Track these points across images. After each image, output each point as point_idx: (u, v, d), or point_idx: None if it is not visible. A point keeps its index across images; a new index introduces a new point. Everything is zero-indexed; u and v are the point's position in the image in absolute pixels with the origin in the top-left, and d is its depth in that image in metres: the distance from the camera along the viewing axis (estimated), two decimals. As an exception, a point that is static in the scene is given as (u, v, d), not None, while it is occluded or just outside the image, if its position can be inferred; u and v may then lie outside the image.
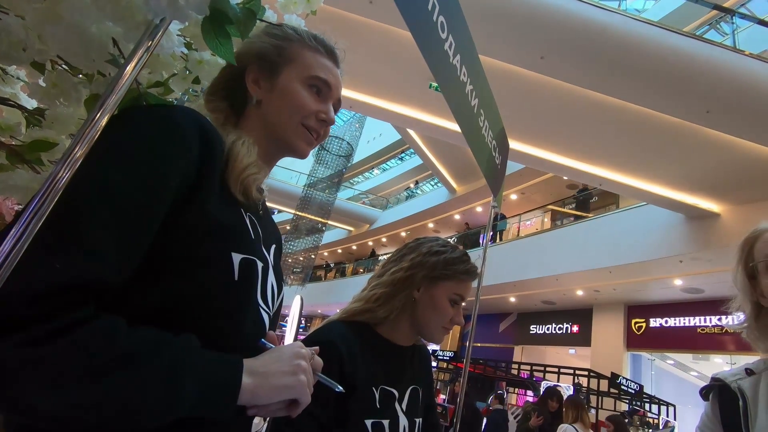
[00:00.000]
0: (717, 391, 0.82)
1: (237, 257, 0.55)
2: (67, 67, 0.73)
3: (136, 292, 0.48)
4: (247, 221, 0.60)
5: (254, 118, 0.68)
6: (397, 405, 0.95)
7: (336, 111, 0.73)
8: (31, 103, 1.03)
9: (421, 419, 1.01)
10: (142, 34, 0.48)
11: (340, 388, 0.65)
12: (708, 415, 0.83)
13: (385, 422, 0.91)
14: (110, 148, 0.47)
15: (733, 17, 5.99)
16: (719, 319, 8.25)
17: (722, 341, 8.15)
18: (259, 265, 0.59)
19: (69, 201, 0.42)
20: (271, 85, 0.67)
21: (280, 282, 0.68)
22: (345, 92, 5.99)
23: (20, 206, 0.97)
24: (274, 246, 0.70)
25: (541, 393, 5.82)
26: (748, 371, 0.80)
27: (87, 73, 0.70)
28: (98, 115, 0.42)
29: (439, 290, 0.99)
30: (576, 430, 3.80)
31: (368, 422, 0.88)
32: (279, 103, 0.66)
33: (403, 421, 0.95)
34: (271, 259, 0.66)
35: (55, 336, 0.39)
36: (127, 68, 0.45)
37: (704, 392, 0.85)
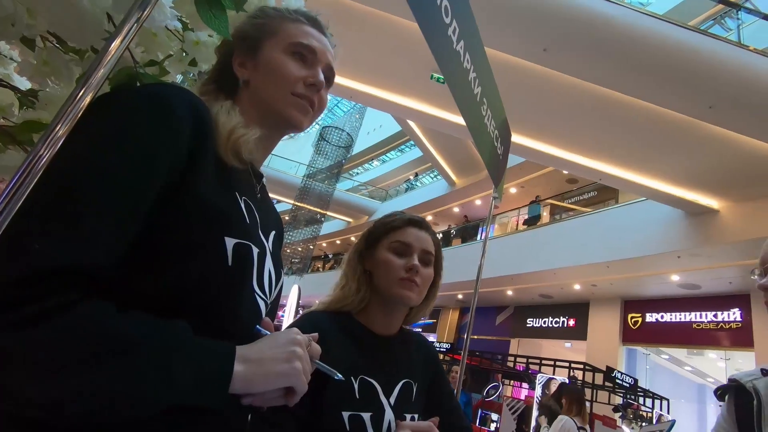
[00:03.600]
0: (733, 392, 0.81)
1: (230, 242, 0.53)
2: (58, 45, 0.71)
3: (127, 277, 0.47)
4: (242, 205, 0.58)
5: (246, 100, 0.66)
6: (382, 397, 0.90)
7: (329, 81, 0.71)
8: (25, 85, 1.01)
9: (416, 415, 0.94)
10: (131, 4, 0.46)
11: (340, 375, 0.64)
12: (724, 415, 0.83)
13: (366, 415, 0.86)
14: (100, 129, 0.46)
15: (738, 12, 5.93)
16: (715, 315, 8.29)
17: (717, 337, 8.20)
18: (255, 250, 0.57)
19: (59, 183, 0.41)
20: (255, 62, 0.66)
21: (279, 269, 0.66)
22: (346, 82, 5.95)
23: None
24: (273, 233, 0.68)
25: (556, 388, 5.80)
26: (764, 371, 0.79)
27: (78, 49, 0.68)
28: (81, 92, 0.40)
29: (379, 250, 0.98)
30: (575, 423, 3.82)
31: (345, 414, 0.83)
32: (265, 77, 0.65)
33: (389, 414, 0.89)
34: (269, 245, 0.64)
35: (43, 318, 0.38)
36: (115, 42, 0.43)
37: (720, 393, 0.85)
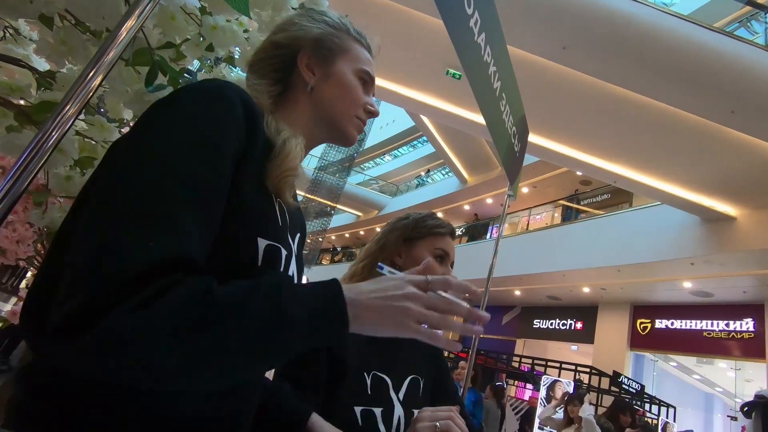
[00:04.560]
0: (761, 409, 0.79)
1: (263, 243, 0.54)
2: (76, 25, 0.70)
3: None
4: (277, 207, 0.59)
5: (304, 104, 0.68)
6: (392, 393, 0.91)
7: None
8: (43, 66, 1.01)
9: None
10: (150, -18, 0.45)
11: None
12: (751, 430, 0.81)
13: (377, 410, 0.86)
14: (173, 125, 0.48)
15: (766, 15, 5.77)
16: (726, 324, 8.14)
17: (728, 346, 8.06)
18: (284, 253, 0.58)
19: (145, 182, 0.43)
20: (325, 73, 0.68)
21: (300, 272, 0.68)
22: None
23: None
24: (298, 234, 0.69)
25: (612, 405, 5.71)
26: None
27: (95, 30, 0.68)
28: (93, 71, 0.39)
29: (419, 250, 0.98)
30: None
31: (358, 409, 0.84)
32: (335, 92, 0.68)
33: (398, 410, 0.89)
34: (294, 247, 0.65)
35: (158, 296, 0.39)
36: (128, 21, 0.42)
37: (746, 409, 0.82)
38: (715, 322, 8.31)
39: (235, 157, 0.51)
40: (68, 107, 0.39)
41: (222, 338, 0.40)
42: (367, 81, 0.71)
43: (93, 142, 1.00)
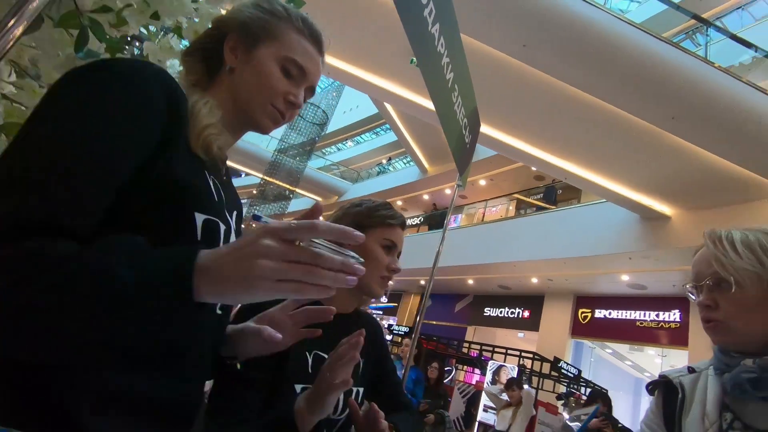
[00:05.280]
0: (662, 387, 0.87)
1: (200, 217, 0.55)
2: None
3: None
4: (212, 183, 0.59)
5: (224, 86, 0.67)
6: None
7: (307, 98, 0.73)
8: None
9: (361, 389, 0.99)
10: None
11: (355, 255, 0.47)
12: (652, 409, 0.89)
13: None
14: (77, 101, 0.47)
15: (708, 29, 6.18)
16: (657, 315, 8.83)
17: (657, 335, 8.76)
18: (222, 227, 0.59)
19: (37, 149, 0.43)
20: (248, 57, 0.67)
21: None
22: (327, 58, 5.80)
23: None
24: (235, 212, 0.69)
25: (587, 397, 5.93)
26: (690, 369, 0.85)
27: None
28: (12, 21, 0.37)
29: (368, 239, 0.98)
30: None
31: (298, 387, 0.87)
32: (251, 77, 0.66)
33: None
34: (233, 223, 0.65)
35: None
36: None
37: (651, 387, 0.90)
38: (647, 312, 8.99)
39: (153, 137, 0.51)
40: (-15, 59, 0.37)
41: (34, 296, 0.37)
42: (291, 71, 0.68)
43: (23, 108, 0.94)
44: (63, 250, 0.40)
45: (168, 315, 0.40)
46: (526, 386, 4.88)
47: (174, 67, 0.96)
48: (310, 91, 0.73)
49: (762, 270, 0.74)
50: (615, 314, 9.55)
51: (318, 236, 0.42)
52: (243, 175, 19.01)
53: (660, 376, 0.88)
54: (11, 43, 0.38)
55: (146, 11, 0.86)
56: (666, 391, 0.85)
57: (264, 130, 0.70)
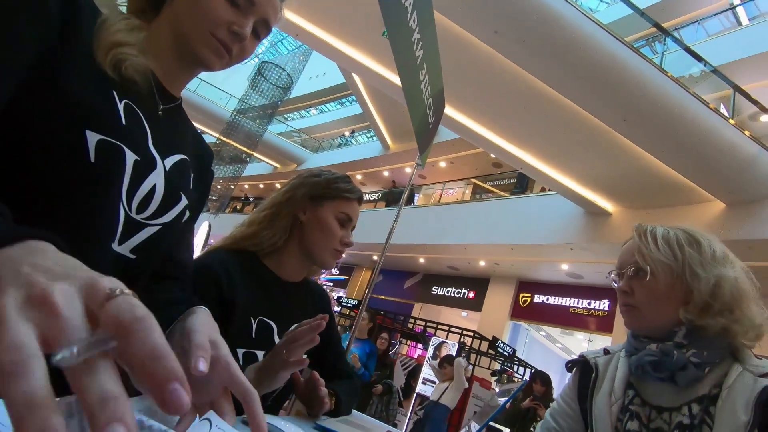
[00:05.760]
0: (580, 366, 0.94)
1: (93, 137, 0.50)
2: None
3: None
4: (120, 106, 0.54)
5: (165, 18, 0.61)
6: (276, 338, 0.94)
7: (261, 34, 0.66)
8: None
9: (305, 356, 1.01)
10: None
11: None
12: (569, 384, 0.96)
13: (260, 353, 0.90)
14: None
15: (666, 39, 6.48)
16: (589, 303, 9.52)
17: (587, 321, 9.47)
18: (130, 155, 0.54)
19: None
20: None
21: (176, 191, 0.63)
22: (295, 18, 5.56)
23: None
24: (179, 156, 0.64)
25: (528, 377, 6.18)
26: (605, 351, 0.93)
27: None
28: None
29: (324, 210, 0.99)
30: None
31: (240, 351, 0.87)
32: (188, 6, 0.59)
33: None
34: (164, 163, 0.60)
35: None
36: None
37: (569, 366, 0.98)
38: (580, 300, 9.67)
39: (41, 44, 0.46)
40: None
41: None
42: (239, 2, 0.60)
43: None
44: None
45: None
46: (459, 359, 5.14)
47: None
48: (264, 25, 0.65)
49: (674, 263, 0.81)
50: (552, 300, 10.19)
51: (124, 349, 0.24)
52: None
53: (579, 356, 0.96)
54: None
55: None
56: (582, 370, 0.94)
57: (208, 65, 0.62)
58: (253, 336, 0.90)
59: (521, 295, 10.74)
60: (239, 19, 0.60)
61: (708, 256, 0.81)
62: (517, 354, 8.45)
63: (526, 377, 8.40)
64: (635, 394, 0.82)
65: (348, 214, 1.01)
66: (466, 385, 4.94)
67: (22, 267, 0.25)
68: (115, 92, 0.54)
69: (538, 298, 10.42)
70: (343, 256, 1.06)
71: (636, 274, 0.85)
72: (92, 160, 0.50)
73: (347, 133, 18.66)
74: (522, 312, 10.62)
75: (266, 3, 0.63)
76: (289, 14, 5.56)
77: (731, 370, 0.75)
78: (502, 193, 11.46)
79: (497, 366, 8.23)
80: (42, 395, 0.20)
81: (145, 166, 0.56)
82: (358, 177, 15.91)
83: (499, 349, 7.69)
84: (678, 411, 0.76)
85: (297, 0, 5.08)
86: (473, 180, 12.88)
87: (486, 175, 12.90)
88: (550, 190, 8.24)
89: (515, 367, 8.22)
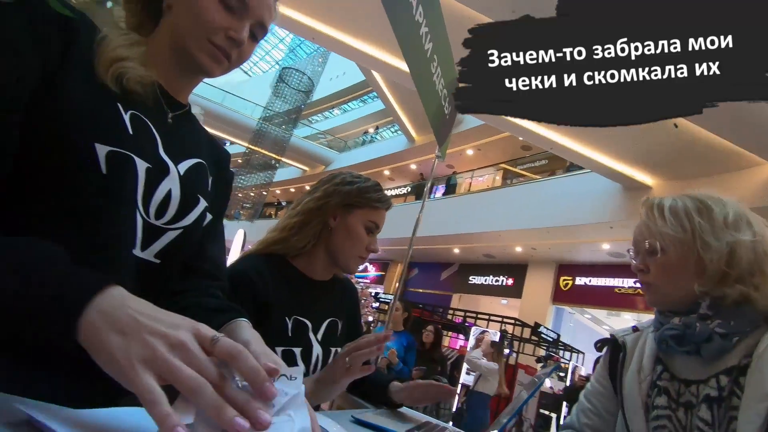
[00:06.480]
0: (610, 345, 0.93)
1: (103, 149, 0.52)
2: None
3: (10, 191, 0.48)
4: (126, 117, 0.56)
5: (164, 27, 0.63)
6: (311, 335, 0.99)
7: (258, 36, 0.67)
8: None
9: (338, 348, 1.04)
10: None
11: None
12: (600, 364, 0.95)
13: (297, 350, 0.95)
14: None
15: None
16: (635, 282, 9.16)
17: (634, 301, 9.11)
18: (141, 164, 0.56)
19: None
20: None
21: (193, 194, 0.64)
22: (310, 22, 5.62)
23: None
24: (194, 160, 0.66)
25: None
26: (634, 329, 0.91)
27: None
28: None
29: (354, 218, 1.02)
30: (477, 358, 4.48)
31: (279, 350, 0.92)
32: (186, 12, 0.61)
33: (317, 350, 0.99)
34: (177, 168, 0.62)
35: None
36: None
37: (599, 345, 0.97)
38: (625, 280, 9.31)
39: (44, 68, 0.49)
40: None
41: None
42: (231, 3, 0.61)
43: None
44: None
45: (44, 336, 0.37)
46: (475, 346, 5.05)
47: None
48: (261, 28, 0.66)
49: (684, 235, 0.78)
50: (595, 281, 9.87)
51: (236, 369, 0.38)
52: (228, 144, 18.63)
53: (611, 335, 0.94)
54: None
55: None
56: (612, 349, 0.92)
57: (207, 71, 0.63)
58: (290, 334, 0.95)
59: (562, 278, 10.47)
60: (235, 24, 0.62)
61: (719, 223, 0.76)
62: (561, 339, 8.27)
63: (574, 362, 8.20)
64: (663, 369, 0.80)
65: (376, 222, 1.04)
66: (494, 368, 4.89)
67: (135, 316, 0.37)
68: (119, 104, 0.56)
69: (580, 281, 10.12)
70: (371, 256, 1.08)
71: (649, 251, 0.83)
72: (104, 171, 0.52)
73: (371, 130, 18.70)
74: (564, 296, 10.36)
75: (260, 5, 0.64)
76: (304, 18, 5.63)
77: (763, 338, 0.71)
78: (533, 176, 11.18)
79: (542, 352, 8.08)
80: (215, 398, 0.35)
81: (157, 173, 0.58)
82: (386, 172, 15.94)
83: (542, 335, 7.54)
84: (705, 383, 0.73)
85: (314, 6, 5.14)
86: (502, 165, 12.64)
87: (515, 159, 12.63)
88: (573, 168, 7.97)
89: (560, 352, 8.05)
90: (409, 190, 14.97)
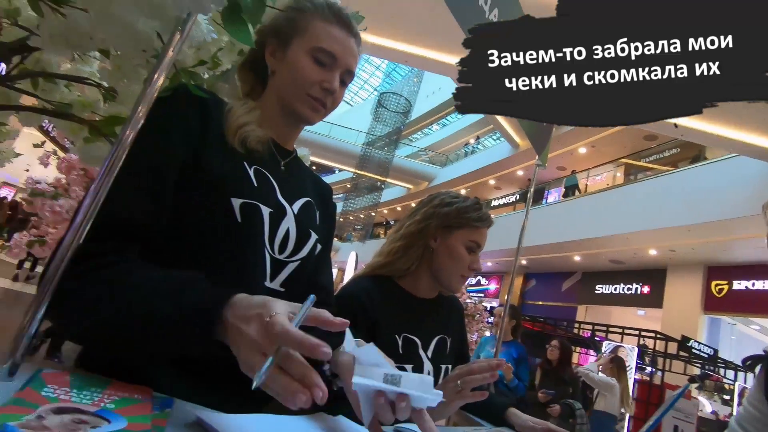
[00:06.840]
0: (765, 363, 0.80)
1: (237, 201, 0.64)
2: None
3: (168, 239, 0.62)
4: (251, 172, 0.68)
5: (271, 89, 0.76)
6: (421, 352, 1.02)
7: (347, 81, 0.77)
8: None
9: (449, 366, 1.06)
10: (173, 26, 0.55)
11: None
12: (754, 385, 0.82)
13: (408, 367, 0.98)
14: (141, 130, 0.60)
15: None
16: (817, 283, 7.42)
17: (819, 307, 7.37)
18: (265, 210, 0.67)
19: (120, 173, 0.56)
20: (283, 56, 0.73)
21: (306, 230, 0.75)
22: (399, 46, 5.84)
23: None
24: (304, 199, 0.78)
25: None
26: None
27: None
28: (148, 89, 0.51)
29: (454, 239, 1.04)
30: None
31: None
32: (287, 74, 0.73)
33: (427, 366, 1.01)
34: (292, 209, 0.74)
35: (91, 271, 0.53)
36: (168, 53, 0.53)
37: (749, 363, 0.84)
38: (802, 281, 7.60)
39: (189, 145, 0.63)
40: (139, 111, 0.54)
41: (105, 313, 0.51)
42: (322, 59, 0.72)
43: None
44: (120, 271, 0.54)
45: (191, 343, 0.50)
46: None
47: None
48: (349, 74, 0.76)
49: None
50: (760, 284, 8.22)
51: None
52: (336, 171, 19.95)
53: (765, 351, 0.80)
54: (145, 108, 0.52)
55: (234, 49, 1.00)
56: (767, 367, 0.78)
57: (308, 120, 0.75)
58: (401, 352, 0.99)
59: (714, 282, 8.93)
60: (327, 76, 0.72)
61: None
62: (719, 354, 7.02)
63: (740, 382, 6.89)
64: None
65: (477, 242, 1.05)
66: (610, 382, 4.33)
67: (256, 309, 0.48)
68: (245, 162, 0.69)
69: (738, 285, 8.51)
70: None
71: None
72: (239, 219, 0.64)
73: (472, 141, 18.42)
74: (719, 303, 8.79)
75: (346, 55, 0.74)
76: (395, 44, 5.88)
77: None
78: (663, 168, 9.86)
79: (696, 370, 6.95)
80: (309, 370, 0.44)
81: (278, 215, 0.70)
82: (491, 182, 15.48)
83: (694, 350, 6.49)
84: None
85: (400, 30, 5.35)
86: (623, 160, 11.40)
87: (639, 151, 11.30)
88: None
89: (721, 371, 6.83)
90: (518, 197, 14.31)
